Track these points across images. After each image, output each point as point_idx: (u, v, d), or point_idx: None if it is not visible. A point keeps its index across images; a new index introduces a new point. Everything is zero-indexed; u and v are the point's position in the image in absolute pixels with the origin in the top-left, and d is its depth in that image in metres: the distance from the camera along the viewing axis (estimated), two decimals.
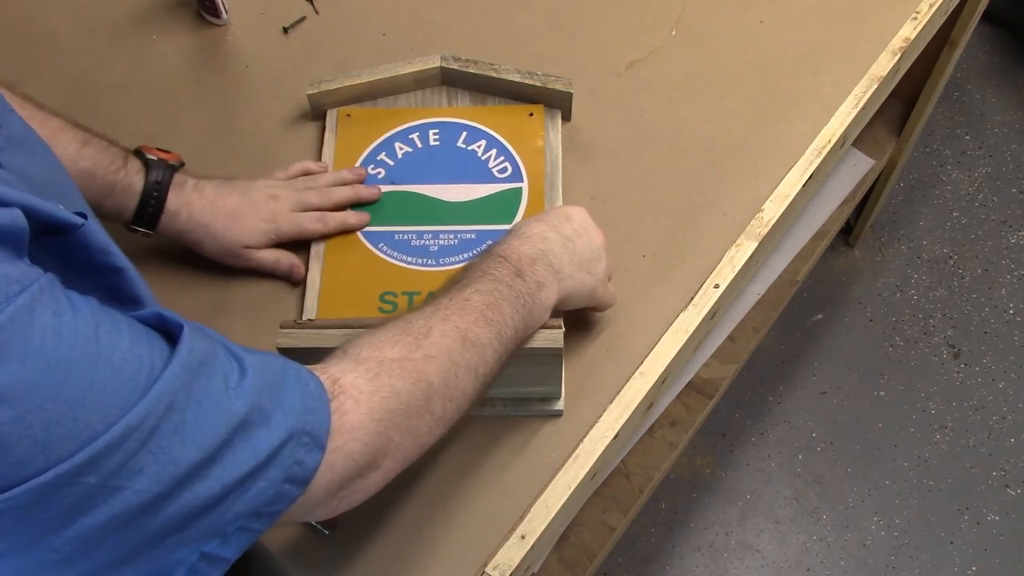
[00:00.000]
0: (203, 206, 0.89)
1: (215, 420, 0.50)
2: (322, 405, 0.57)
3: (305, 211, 0.93)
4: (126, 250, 0.62)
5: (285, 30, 1.12)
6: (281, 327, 0.78)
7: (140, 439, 0.47)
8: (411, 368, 0.62)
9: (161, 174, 0.87)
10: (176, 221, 0.89)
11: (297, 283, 0.94)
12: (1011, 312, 1.88)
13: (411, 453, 0.64)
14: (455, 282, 0.72)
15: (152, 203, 0.87)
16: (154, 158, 0.88)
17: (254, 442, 0.52)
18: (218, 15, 1.12)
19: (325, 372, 0.60)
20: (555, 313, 0.77)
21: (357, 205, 0.96)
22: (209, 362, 0.52)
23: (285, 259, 0.93)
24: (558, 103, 1.02)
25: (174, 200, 0.88)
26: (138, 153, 0.89)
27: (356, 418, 0.59)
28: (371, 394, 0.60)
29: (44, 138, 0.81)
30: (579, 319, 0.90)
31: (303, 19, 1.13)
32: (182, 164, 0.91)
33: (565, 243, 0.78)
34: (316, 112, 1.03)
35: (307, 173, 0.97)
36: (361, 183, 0.97)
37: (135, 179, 0.87)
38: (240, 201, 0.91)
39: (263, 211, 0.91)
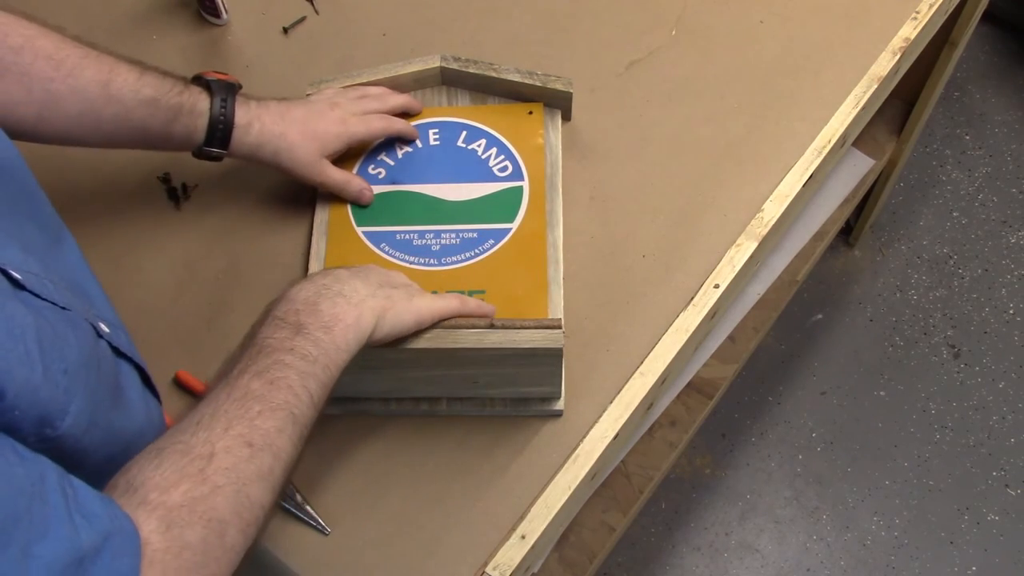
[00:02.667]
0: (273, 117, 0.89)
1: None
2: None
3: (365, 112, 0.94)
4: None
5: (285, 30, 1.12)
6: None
7: None
8: (200, 512, 0.57)
9: (225, 92, 0.87)
10: (249, 135, 0.88)
11: (367, 204, 0.95)
12: (1011, 312, 1.88)
13: None
14: (235, 362, 0.66)
15: (222, 120, 0.86)
16: (214, 79, 0.88)
17: None
18: (218, 15, 1.12)
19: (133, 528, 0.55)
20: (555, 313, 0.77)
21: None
22: None
23: (356, 180, 0.94)
24: (558, 103, 1.02)
25: (243, 115, 0.88)
26: (196, 79, 0.89)
27: None
28: (164, 552, 0.55)
29: (99, 74, 0.81)
30: (579, 319, 0.91)
31: (303, 19, 1.13)
32: (240, 86, 0.90)
33: (351, 272, 0.74)
34: None
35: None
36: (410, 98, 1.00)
37: (199, 99, 0.86)
38: (307, 110, 0.91)
39: (331, 116, 0.92)
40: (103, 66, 0.82)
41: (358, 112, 0.94)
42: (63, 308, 0.63)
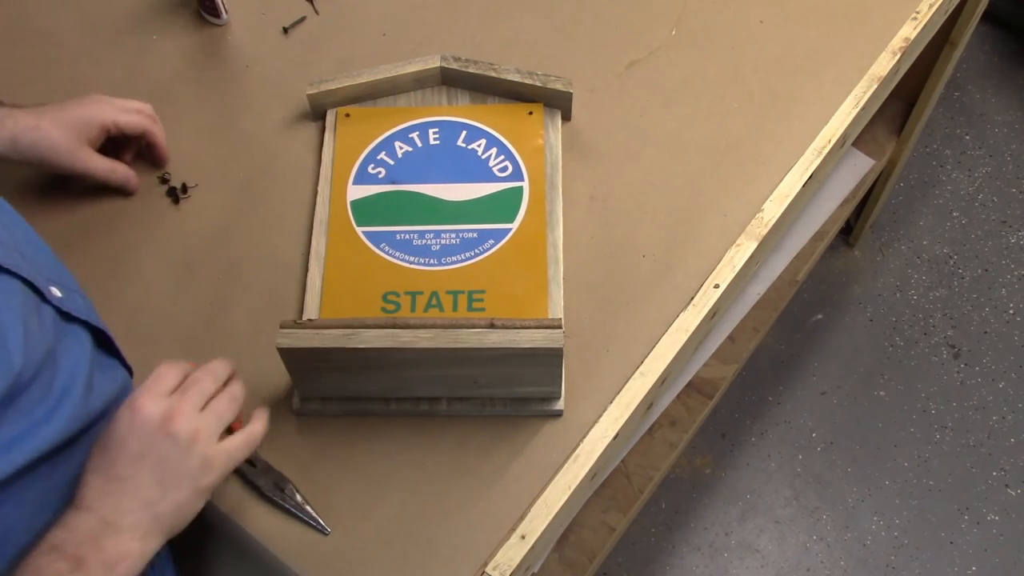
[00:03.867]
0: (27, 113, 0.90)
1: None
2: None
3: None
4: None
5: (285, 30, 1.12)
6: (281, 327, 0.78)
7: None
8: None
9: None
10: (3, 130, 0.88)
11: (131, 194, 0.96)
12: (1011, 312, 1.88)
13: None
14: None
15: None
16: None
17: None
18: (218, 15, 1.12)
19: None
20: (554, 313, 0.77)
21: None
22: None
23: (122, 168, 0.95)
24: (558, 103, 1.02)
25: None
26: None
27: None
28: None
29: None
30: (579, 319, 0.91)
31: (303, 19, 1.13)
32: (1, 102, 0.91)
33: (127, 484, 0.67)
34: (316, 112, 1.03)
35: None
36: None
37: None
38: (65, 102, 0.92)
39: (88, 101, 0.92)
40: None
41: (121, 107, 0.94)
42: None
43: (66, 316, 0.73)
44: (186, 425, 0.69)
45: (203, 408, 0.72)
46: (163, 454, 0.68)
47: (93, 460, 0.69)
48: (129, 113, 0.95)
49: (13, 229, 0.74)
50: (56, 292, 0.72)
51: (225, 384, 0.76)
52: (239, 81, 1.08)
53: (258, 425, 0.76)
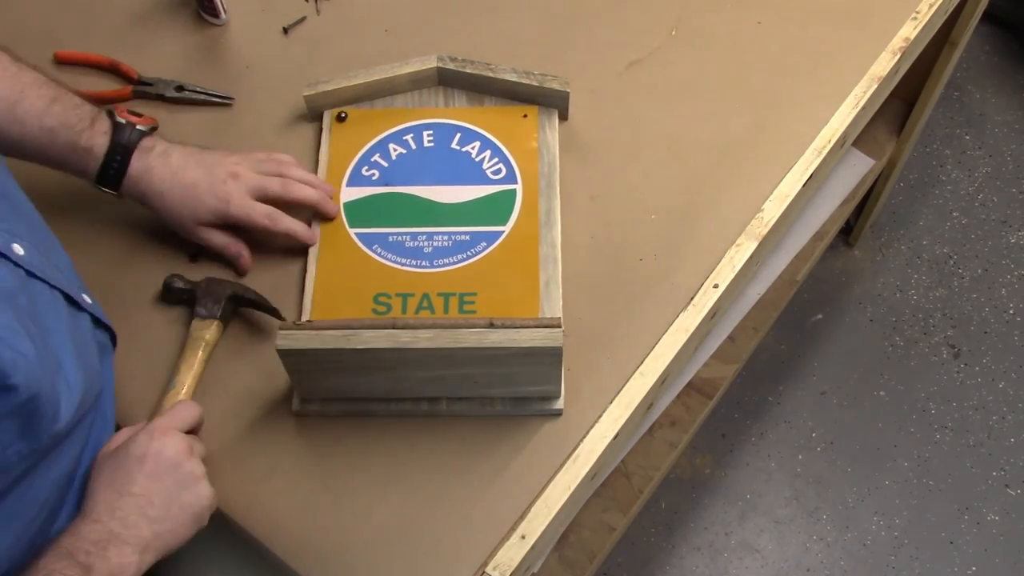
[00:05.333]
0: (164, 174, 0.89)
1: None
2: None
3: (263, 197, 0.92)
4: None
5: (285, 30, 1.12)
6: (280, 328, 0.78)
7: None
8: None
9: (127, 137, 0.88)
10: (138, 185, 0.89)
11: (242, 273, 0.94)
12: (1011, 312, 1.88)
13: None
14: None
15: (115, 165, 0.88)
16: (123, 121, 0.89)
17: None
18: (217, 15, 1.12)
19: None
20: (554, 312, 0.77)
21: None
22: None
23: (234, 246, 0.93)
24: (555, 102, 1.02)
25: (137, 165, 0.88)
26: (110, 114, 0.89)
27: None
28: None
29: (11, 93, 0.83)
30: (579, 319, 0.90)
31: (303, 19, 1.13)
32: (154, 128, 0.91)
33: (141, 500, 0.74)
34: (313, 113, 1.03)
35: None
36: (329, 199, 0.95)
37: (99, 141, 0.87)
38: (201, 175, 0.90)
39: (219, 190, 0.91)
40: (16, 86, 0.84)
41: (255, 192, 0.91)
42: None
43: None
44: (199, 465, 0.78)
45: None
46: (176, 481, 0.76)
47: (105, 475, 0.75)
48: (253, 211, 0.91)
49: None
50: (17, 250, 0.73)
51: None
52: (239, 81, 1.08)
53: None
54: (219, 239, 0.92)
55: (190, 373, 0.87)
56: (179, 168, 0.90)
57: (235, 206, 0.91)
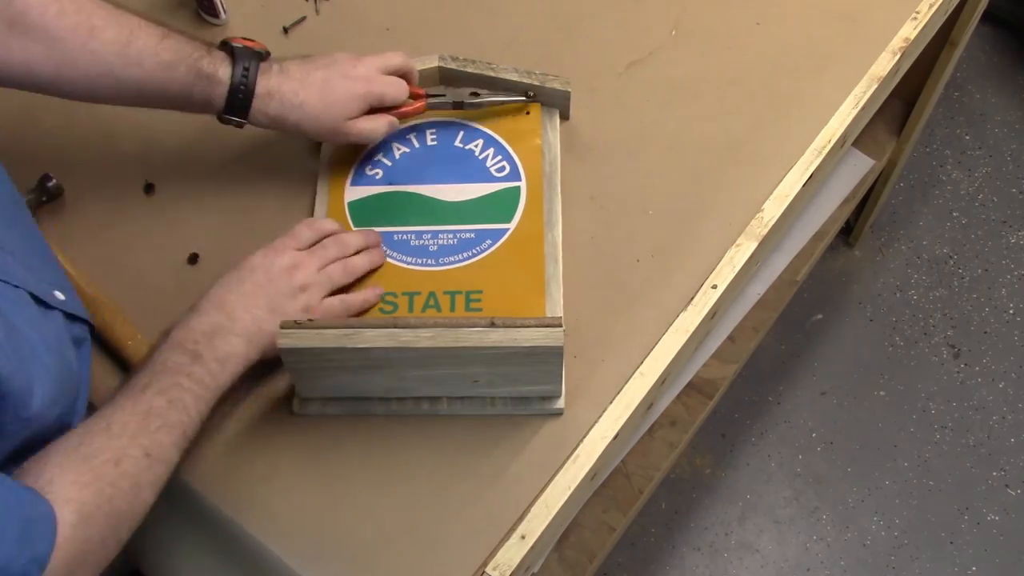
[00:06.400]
0: (293, 86, 0.88)
1: None
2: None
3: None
4: None
5: (285, 30, 1.12)
6: (281, 327, 0.78)
7: None
8: (105, 511, 0.66)
9: (248, 60, 0.87)
10: (269, 106, 0.88)
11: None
12: (1011, 312, 1.88)
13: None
14: (139, 375, 0.75)
15: (242, 90, 0.86)
16: (240, 46, 0.88)
17: None
18: (216, 15, 1.12)
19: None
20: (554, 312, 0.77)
21: None
22: None
23: (383, 122, 0.93)
24: (556, 102, 1.02)
25: (263, 85, 0.87)
26: (222, 44, 0.88)
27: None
28: (71, 542, 0.63)
29: (121, 35, 0.83)
30: (579, 319, 0.90)
31: (303, 19, 1.13)
32: (268, 53, 0.90)
33: (246, 300, 0.81)
34: None
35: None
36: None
37: (221, 67, 0.86)
38: (327, 73, 0.90)
39: (353, 76, 0.90)
40: (124, 28, 0.83)
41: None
42: None
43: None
44: (302, 277, 0.84)
45: (322, 268, 0.87)
46: (279, 290, 0.83)
47: (221, 280, 0.83)
48: (390, 85, 0.92)
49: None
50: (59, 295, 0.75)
51: (356, 253, 0.90)
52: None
53: (358, 297, 0.88)
54: (367, 127, 0.92)
55: None
56: (303, 75, 0.89)
57: (378, 83, 0.91)
